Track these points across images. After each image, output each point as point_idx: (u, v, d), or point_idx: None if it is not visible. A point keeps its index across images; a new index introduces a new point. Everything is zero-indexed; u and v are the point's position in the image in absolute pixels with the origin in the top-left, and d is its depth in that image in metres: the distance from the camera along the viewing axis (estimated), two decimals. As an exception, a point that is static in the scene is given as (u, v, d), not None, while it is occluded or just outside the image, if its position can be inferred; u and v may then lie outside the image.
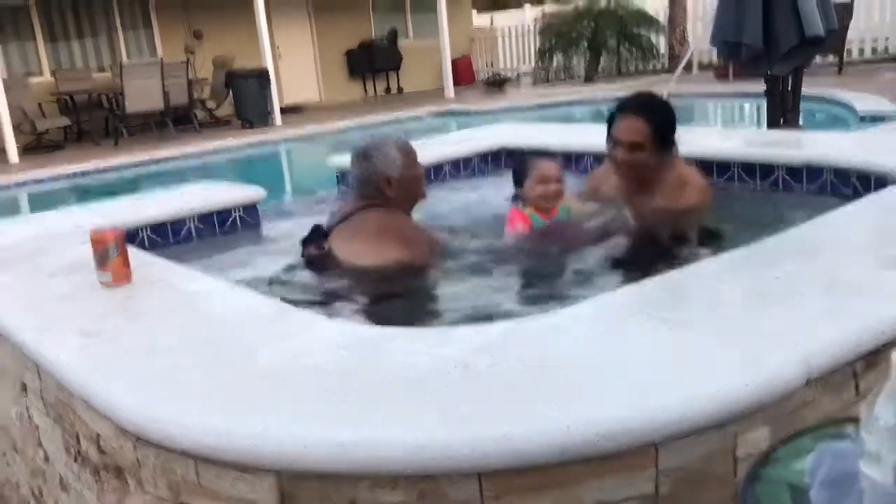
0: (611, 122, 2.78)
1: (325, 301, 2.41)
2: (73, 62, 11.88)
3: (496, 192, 3.60)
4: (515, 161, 3.01)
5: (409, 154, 2.69)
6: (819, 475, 1.06)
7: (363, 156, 2.66)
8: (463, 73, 14.86)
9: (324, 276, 2.56)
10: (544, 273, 2.62)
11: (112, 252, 2.11)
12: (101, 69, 11.78)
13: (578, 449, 1.21)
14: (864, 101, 7.30)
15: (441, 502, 1.24)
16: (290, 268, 2.66)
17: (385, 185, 2.61)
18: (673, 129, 2.73)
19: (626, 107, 2.77)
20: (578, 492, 1.24)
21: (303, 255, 2.64)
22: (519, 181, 2.82)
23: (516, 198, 2.83)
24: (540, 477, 1.23)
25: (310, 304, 2.33)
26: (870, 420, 0.88)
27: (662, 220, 2.69)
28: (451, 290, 2.50)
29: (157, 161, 8.59)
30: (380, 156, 2.64)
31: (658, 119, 2.72)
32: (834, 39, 7.51)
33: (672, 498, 1.27)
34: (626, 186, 2.79)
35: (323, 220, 2.69)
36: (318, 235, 2.63)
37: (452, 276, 2.58)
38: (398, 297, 2.49)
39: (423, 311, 2.42)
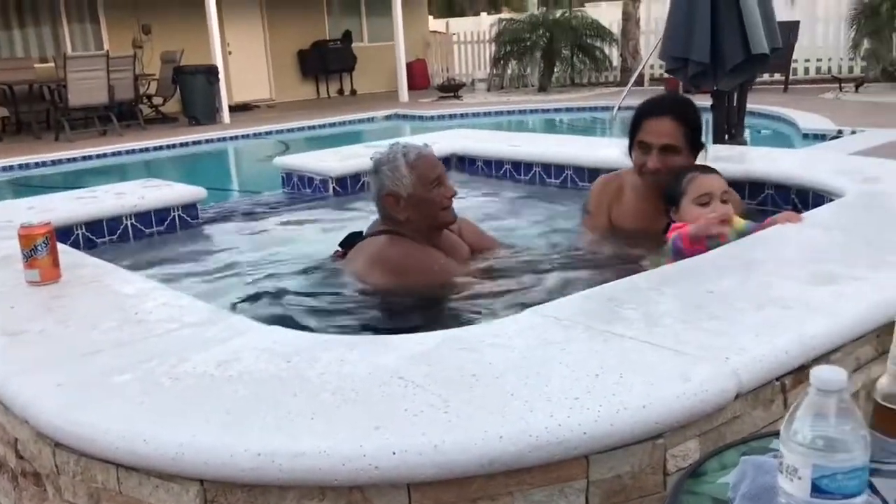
0: (635, 127, 2.53)
1: (320, 308, 2.31)
2: (13, 51, 11.50)
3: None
4: (664, 180, 2.46)
5: (424, 170, 2.32)
6: (741, 488, 1.07)
7: (373, 169, 2.41)
8: (418, 77, 14.86)
9: (332, 283, 2.49)
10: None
11: (41, 249, 2.04)
12: (44, 60, 11.43)
13: (510, 459, 1.20)
14: (807, 119, 7.55)
15: (369, 513, 1.22)
16: (315, 267, 2.60)
17: (392, 204, 2.34)
18: (702, 130, 2.53)
19: (653, 108, 2.53)
20: (509, 503, 1.24)
21: (331, 257, 2.61)
22: (673, 201, 2.38)
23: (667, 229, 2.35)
24: (470, 488, 1.22)
25: (309, 309, 2.27)
26: (788, 434, 0.89)
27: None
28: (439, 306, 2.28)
29: (99, 156, 8.38)
30: (386, 170, 2.35)
31: (689, 118, 2.49)
32: (779, 58, 7.74)
33: (602, 510, 1.27)
34: (655, 201, 2.46)
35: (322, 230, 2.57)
36: (348, 243, 2.55)
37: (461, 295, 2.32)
38: (388, 311, 2.32)
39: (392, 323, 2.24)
